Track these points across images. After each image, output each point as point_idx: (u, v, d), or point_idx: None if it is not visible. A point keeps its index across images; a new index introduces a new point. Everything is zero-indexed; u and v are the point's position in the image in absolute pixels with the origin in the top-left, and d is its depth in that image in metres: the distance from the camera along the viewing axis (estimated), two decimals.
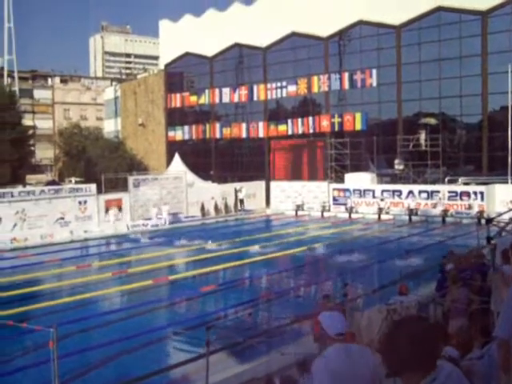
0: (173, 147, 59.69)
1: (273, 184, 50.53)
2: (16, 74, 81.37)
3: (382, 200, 42.78)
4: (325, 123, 49.13)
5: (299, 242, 32.76)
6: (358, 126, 47.01)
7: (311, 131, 49.80)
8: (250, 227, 41.85)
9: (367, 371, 5.25)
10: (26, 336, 15.59)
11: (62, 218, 38.21)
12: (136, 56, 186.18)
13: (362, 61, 47.48)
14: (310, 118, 49.95)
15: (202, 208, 45.59)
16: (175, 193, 45.20)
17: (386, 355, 3.65)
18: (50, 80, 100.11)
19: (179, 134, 60.50)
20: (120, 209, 41.36)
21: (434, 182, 43.01)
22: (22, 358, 14.79)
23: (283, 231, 38.67)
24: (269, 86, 52.76)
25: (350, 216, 43.96)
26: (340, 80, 47.92)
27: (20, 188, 43.29)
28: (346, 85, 47.72)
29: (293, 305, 18.74)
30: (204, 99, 57.63)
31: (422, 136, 44.64)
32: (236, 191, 48.14)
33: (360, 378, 5.20)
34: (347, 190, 45.40)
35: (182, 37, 59.64)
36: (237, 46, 56.03)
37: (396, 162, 44.50)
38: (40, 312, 19.39)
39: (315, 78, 49.32)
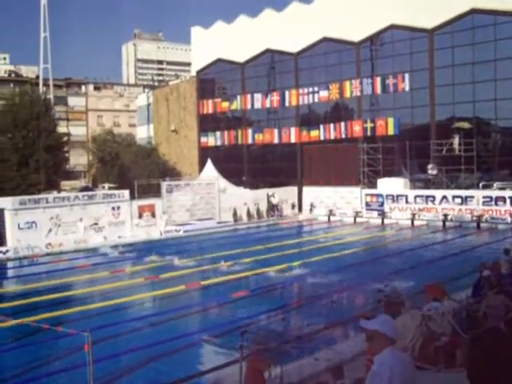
0: (205, 153, 59.96)
1: (305, 190, 50.43)
2: (51, 82, 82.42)
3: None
4: (357, 128, 48.93)
5: (334, 247, 32.66)
6: (391, 131, 46.74)
7: (343, 136, 49.65)
8: (284, 232, 41.79)
9: (412, 379, 5.25)
10: (61, 340, 15.80)
11: (96, 224, 38.63)
12: (168, 63, 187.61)
13: (395, 65, 47.17)
14: (342, 124, 49.81)
15: (235, 214, 45.68)
16: (208, 198, 45.42)
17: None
18: (83, 87, 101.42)
19: (211, 139, 60.82)
20: (153, 214, 41.68)
21: (468, 187, 42.45)
22: (57, 362, 14.97)
23: (317, 236, 38.59)
24: (300, 91, 52.78)
25: (382, 222, 43.65)
26: (372, 85, 47.73)
27: (55, 194, 43.88)
28: (379, 89, 47.51)
29: (328, 310, 18.64)
30: (236, 105, 57.88)
31: (456, 140, 44.09)
32: (268, 197, 48.15)
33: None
34: (380, 195, 45.12)
35: (213, 43, 59.95)
36: (268, 51, 56.11)
37: (429, 166, 44.04)
38: (74, 316, 19.66)
39: (347, 83, 49.19)
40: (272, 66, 56.57)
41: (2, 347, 16.62)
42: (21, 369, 14.45)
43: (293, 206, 50.23)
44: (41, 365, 14.78)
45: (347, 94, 49.63)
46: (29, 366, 14.58)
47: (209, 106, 60.63)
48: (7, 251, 33.82)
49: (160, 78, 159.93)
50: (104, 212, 39.18)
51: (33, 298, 22.19)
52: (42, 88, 78.83)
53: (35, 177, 53.15)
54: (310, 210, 49.09)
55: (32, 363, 14.83)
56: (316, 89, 51.51)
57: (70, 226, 37.34)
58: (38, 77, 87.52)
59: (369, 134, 48.27)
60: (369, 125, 48.25)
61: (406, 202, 43.57)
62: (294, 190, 51.05)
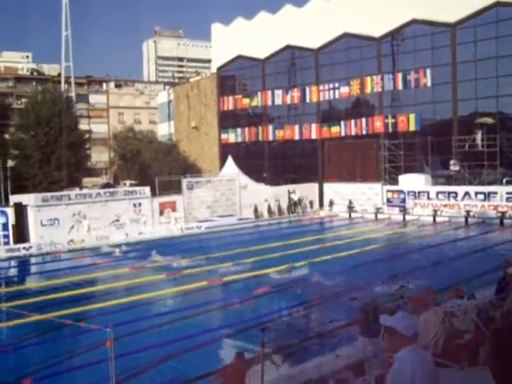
0: (226, 150, 60.03)
1: (326, 186, 50.28)
2: (73, 80, 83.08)
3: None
4: (378, 124, 48.68)
5: (355, 243, 32.56)
6: (412, 127, 46.43)
7: (364, 132, 49.44)
8: (305, 229, 41.75)
9: (434, 377, 5.19)
10: (83, 336, 15.91)
11: (118, 220, 38.89)
12: (188, 60, 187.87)
13: (416, 60, 46.74)
14: (363, 119, 49.58)
15: (255, 210, 45.68)
16: (228, 195, 45.48)
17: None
18: (104, 85, 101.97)
19: (232, 136, 60.88)
20: (174, 211, 41.83)
21: (490, 183, 42.02)
22: (79, 357, 15.08)
23: (337, 233, 38.49)
24: (321, 87, 52.63)
25: (404, 218, 43.39)
26: (393, 80, 47.44)
27: (77, 191, 44.22)
28: (400, 85, 47.20)
29: (348, 307, 18.54)
30: (256, 101, 57.89)
31: (479, 136, 43.63)
32: (289, 193, 48.07)
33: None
34: (401, 191, 44.84)
35: (234, 40, 59.93)
36: (289, 47, 55.96)
37: (451, 162, 43.64)
38: (95, 312, 19.79)
39: (368, 79, 48.95)
40: (292, 63, 56.39)
41: (26, 342, 16.81)
42: (44, 364, 14.59)
43: (311, 203, 50.03)
44: (63, 360, 14.90)
45: (368, 90, 49.39)
46: (52, 361, 14.72)
47: (229, 103, 60.70)
48: (30, 247, 34.18)
49: (180, 75, 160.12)
50: (125, 209, 39.42)
51: (55, 293, 22.40)
52: (63, 86, 79.49)
53: (57, 174, 53.61)
54: (330, 206, 48.93)
55: (55, 358, 14.97)
56: (337, 85, 51.34)
57: (91, 223, 37.62)
58: (59, 75, 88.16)
59: (390, 129, 47.99)
60: (390, 121, 47.97)
61: (428, 198, 43.24)
62: (314, 186, 50.91)
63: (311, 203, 49.91)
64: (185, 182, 43.37)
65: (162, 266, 27.43)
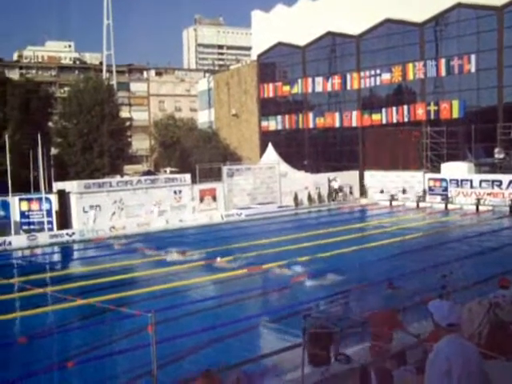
0: (266, 137, 59.91)
1: (367, 174, 49.87)
2: (114, 69, 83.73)
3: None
4: (420, 111, 47.96)
5: (396, 231, 32.28)
6: (455, 114, 45.61)
7: (406, 120, 48.79)
8: (345, 217, 41.54)
9: (477, 368, 5.05)
10: (125, 321, 16.11)
11: (158, 207, 39.21)
12: (228, 47, 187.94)
13: (460, 46, 45.75)
14: (405, 107, 48.91)
15: (296, 198, 45.54)
16: (268, 183, 45.41)
17: None
18: (145, 73, 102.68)
19: (272, 123, 60.76)
20: (214, 198, 42.00)
21: None
22: (121, 342, 15.27)
23: (378, 221, 38.18)
24: (362, 74, 52.07)
25: (446, 207, 42.77)
26: (436, 67, 46.60)
27: (118, 178, 44.67)
28: (443, 71, 46.35)
29: (389, 295, 18.37)
30: (297, 89, 57.61)
31: None
32: (330, 181, 47.81)
33: (473, 376, 4.99)
34: (444, 179, 44.18)
35: (274, 27, 59.62)
36: (329, 34, 55.40)
37: (496, 150, 42.72)
38: (137, 298, 20.03)
39: (410, 66, 48.21)
40: (333, 49, 55.86)
41: (70, 326, 17.10)
42: (87, 347, 14.82)
43: (350, 190, 49.67)
44: (105, 344, 15.11)
45: (410, 77, 48.66)
46: (94, 345, 14.94)
47: (269, 90, 60.54)
48: (73, 233, 34.73)
49: (220, 62, 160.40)
50: (166, 196, 39.73)
51: (97, 279, 22.72)
52: (105, 74, 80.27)
53: (99, 161, 54.19)
54: (371, 194, 48.54)
55: (97, 342, 15.20)
56: (378, 71, 50.71)
57: (133, 210, 38.05)
58: (101, 63, 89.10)
59: (432, 117, 47.23)
60: (432, 108, 47.21)
61: (471, 186, 42.50)
62: (355, 174, 50.51)
63: (351, 190, 49.55)
64: (225, 169, 43.47)
65: (202, 252, 27.53)
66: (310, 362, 10.74)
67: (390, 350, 10.42)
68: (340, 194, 48.14)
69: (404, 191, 46.11)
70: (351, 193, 49.46)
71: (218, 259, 25.33)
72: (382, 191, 48.14)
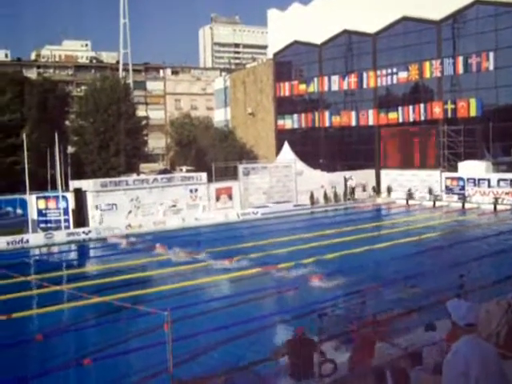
0: (282, 136, 59.80)
1: (383, 173, 49.68)
2: (130, 67, 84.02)
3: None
4: (437, 110, 47.64)
5: (413, 231, 32.11)
6: (473, 113, 45.25)
7: (423, 118, 48.49)
8: (361, 216, 41.37)
9: (496, 369, 4.98)
10: (140, 319, 16.16)
11: (174, 206, 39.30)
12: (244, 46, 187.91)
13: (478, 43, 45.24)
14: (422, 105, 48.61)
15: (312, 196, 45.44)
16: (284, 181, 45.36)
17: None
18: (161, 72, 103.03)
19: (288, 122, 60.69)
20: (230, 197, 42.03)
21: None
22: (136, 339, 15.32)
23: (395, 220, 38.01)
24: (378, 72, 51.82)
25: (463, 206, 42.48)
26: (454, 65, 46.26)
27: (134, 176, 44.84)
28: (460, 69, 46.00)
29: (405, 295, 18.25)
30: (313, 87, 57.49)
31: None
32: (346, 180, 47.67)
33: (491, 376, 4.92)
34: (461, 178, 43.89)
35: (290, 25, 59.48)
36: (346, 32, 55.17)
37: None
38: (151, 297, 20.09)
39: (427, 64, 47.89)
40: (349, 48, 55.62)
41: (86, 324, 17.19)
42: (103, 345, 14.88)
43: (364, 188, 49.51)
44: (121, 342, 15.17)
45: (427, 75, 48.34)
46: (110, 343, 14.99)
47: (286, 89, 60.48)
48: (89, 232, 34.89)
49: (237, 61, 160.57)
50: (182, 194, 39.81)
51: (113, 277, 22.83)
52: (121, 73, 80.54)
53: (115, 160, 54.43)
54: (388, 192, 48.37)
55: (113, 340, 15.26)
56: (395, 70, 50.44)
57: (149, 208, 38.16)
58: (117, 62, 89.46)
59: (449, 115, 46.87)
60: (449, 106, 46.87)
61: (489, 185, 42.18)
62: (371, 172, 50.33)
63: (367, 189, 49.36)
64: (241, 168, 43.49)
65: (217, 251, 27.52)
66: (291, 374, 10.42)
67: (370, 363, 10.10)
68: (356, 193, 47.97)
69: (430, 191, 45.70)
70: (368, 191, 49.28)
71: (230, 259, 25.28)
72: (389, 190, 48.00)
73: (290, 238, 31.07)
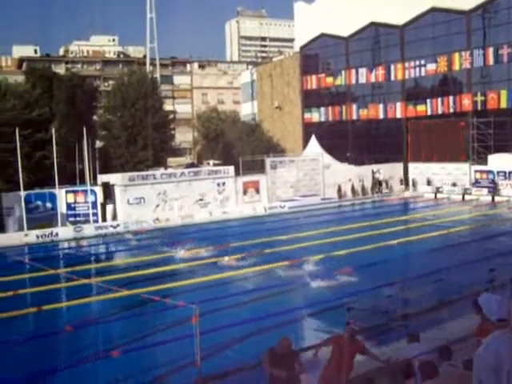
0: (309, 129, 59.64)
1: (411, 166, 49.24)
2: (157, 62, 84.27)
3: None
4: (466, 102, 47.09)
5: (441, 224, 31.79)
6: (504, 104, 44.63)
7: (451, 111, 47.98)
8: (389, 209, 41.11)
9: None
10: (168, 312, 16.24)
11: (202, 200, 39.39)
12: (271, 39, 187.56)
13: (510, 34, 44.55)
14: (451, 97, 48.09)
15: (339, 190, 45.24)
16: (312, 175, 45.20)
17: None
18: (188, 66, 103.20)
19: (315, 115, 60.49)
20: (257, 191, 42.01)
21: None
22: (164, 332, 15.39)
23: (423, 214, 37.67)
24: (406, 64, 51.38)
25: (493, 199, 41.91)
26: (484, 56, 45.63)
27: (162, 170, 45.00)
28: (491, 60, 45.36)
29: (435, 289, 18.09)
30: (340, 80, 57.22)
31: None
32: (373, 173, 47.37)
33: None
34: (490, 171, 43.31)
35: (316, 18, 59.16)
36: (373, 25, 54.75)
37: None
38: (178, 290, 20.16)
39: (456, 55, 47.33)
40: (377, 40, 55.19)
41: (114, 316, 17.31)
42: (131, 337, 14.97)
43: (392, 182, 49.13)
44: (149, 334, 15.25)
45: (456, 67, 47.77)
46: (138, 335, 15.09)
47: (312, 82, 60.28)
48: (117, 225, 35.15)
49: (263, 54, 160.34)
50: (209, 188, 39.87)
51: (141, 270, 22.98)
52: (148, 67, 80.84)
53: (143, 154, 54.66)
54: (414, 186, 47.97)
55: (141, 332, 15.35)
56: (423, 62, 49.95)
57: (176, 202, 38.29)
58: (144, 57, 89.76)
59: (479, 107, 46.32)
60: (479, 98, 46.29)
61: None
62: (399, 166, 49.93)
63: (395, 182, 48.99)
64: (268, 161, 43.44)
65: (244, 245, 27.52)
66: None
67: (342, 378, 9.62)
68: (383, 187, 47.65)
69: (454, 184, 45.24)
70: (392, 184, 48.89)
71: (256, 252, 25.26)
72: (414, 183, 47.60)
73: (318, 231, 30.97)
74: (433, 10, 49.30)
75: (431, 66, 49.37)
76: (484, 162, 44.56)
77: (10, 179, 37.31)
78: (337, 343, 9.87)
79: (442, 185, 45.94)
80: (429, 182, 47.10)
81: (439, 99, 48.86)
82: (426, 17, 50.26)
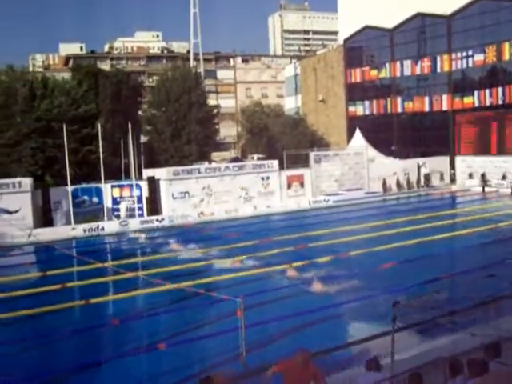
0: (353, 122, 59.14)
1: (458, 159, 48.39)
2: (201, 57, 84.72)
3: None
4: None
5: (489, 219, 31.17)
6: None
7: (500, 102, 46.95)
8: (435, 203, 40.53)
9: None
10: (212, 305, 16.29)
11: (246, 194, 39.45)
12: (314, 32, 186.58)
13: None
14: (500, 89, 47.04)
15: (384, 184, 44.76)
16: (356, 168, 44.83)
17: None
18: (231, 60, 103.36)
19: (360, 109, 59.95)
20: (302, 184, 41.87)
21: None
22: (209, 325, 15.44)
23: (470, 208, 37.02)
24: (453, 56, 50.45)
25: None
26: None
27: (206, 165, 45.22)
28: None
29: (485, 284, 17.70)
30: (385, 73, 56.57)
31: None
32: (419, 167, 46.70)
33: None
34: None
35: (360, 10, 58.44)
36: (419, 15, 53.86)
37: None
38: (223, 284, 20.20)
39: (506, 45, 46.23)
40: (422, 31, 54.29)
41: (160, 309, 17.45)
42: (176, 330, 15.05)
43: (439, 175, 48.36)
44: (194, 328, 15.30)
45: (506, 57, 46.66)
46: (184, 328, 15.17)
47: (357, 75, 59.73)
48: (162, 219, 35.45)
49: (307, 48, 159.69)
50: (254, 182, 39.89)
51: (185, 264, 23.10)
52: (192, 62, 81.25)
53: (187, 148, 55.00)
54: (470, 178, 47.14)
55: (187, 326, 15.42)
56: (470, 52, 48.96)
57: (220, 196, 38.44)
58: (188, 52, 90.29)
59: None
60: None
61: None
62: (445, 159, 49.11)
63: (441, 176, 48.23)
64: (312, 155, 43.25)
65: (289, 238, 27.42)
66: None
67: None
68: (430, 180, 46.96)
69: (504, 177, 44.29)
70: (439, 177, 48.15)
71: (301, 246, 25.13)
72: (470, 176, 46.75)
73: (363, 225, 30.70)
74: None
75: (479, 57, 48.37)
76: None
77: (57, 174, 38.00)
78: (288, 369, 8.78)
79: (489, 178, 45.02)
80: (476, 176, 46.20)
81: (487, 91, 47.87)
82: (473, 6, 49.18)
